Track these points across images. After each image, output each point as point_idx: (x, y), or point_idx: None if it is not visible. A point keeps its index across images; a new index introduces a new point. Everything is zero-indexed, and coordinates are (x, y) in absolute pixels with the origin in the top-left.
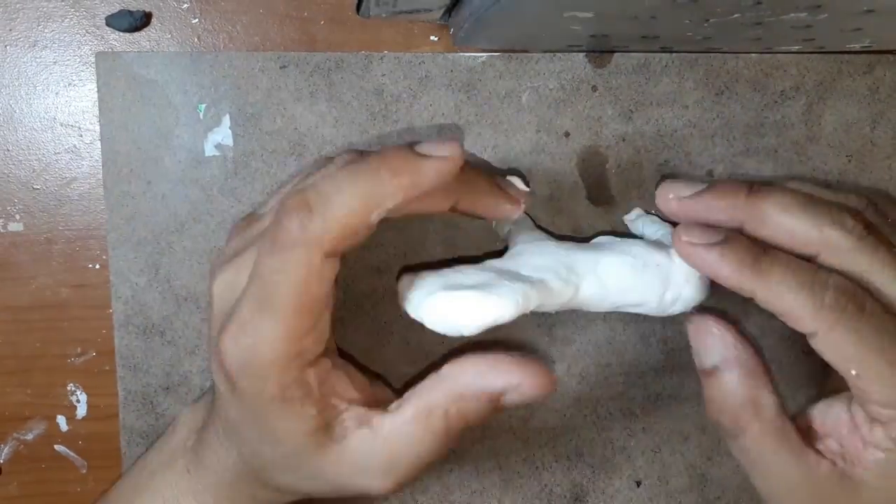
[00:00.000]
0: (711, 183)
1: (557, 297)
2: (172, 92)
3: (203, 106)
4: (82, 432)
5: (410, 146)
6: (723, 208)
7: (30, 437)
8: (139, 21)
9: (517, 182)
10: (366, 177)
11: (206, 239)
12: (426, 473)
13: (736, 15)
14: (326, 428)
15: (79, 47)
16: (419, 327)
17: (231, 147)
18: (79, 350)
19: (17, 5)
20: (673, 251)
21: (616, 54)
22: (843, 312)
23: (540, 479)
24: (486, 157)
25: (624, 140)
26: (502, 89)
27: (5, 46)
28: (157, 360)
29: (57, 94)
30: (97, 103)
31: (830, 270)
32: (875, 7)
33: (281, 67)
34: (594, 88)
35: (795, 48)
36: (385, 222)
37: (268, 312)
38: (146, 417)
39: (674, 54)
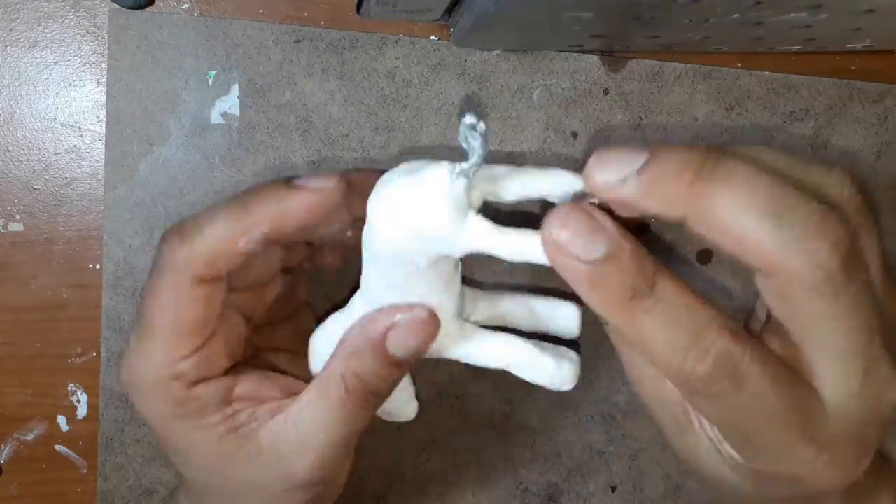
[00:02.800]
0: (653, 153)
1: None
2: (183, 56)
3: (213, 73)
4: (83, 433)
5: (289, 180)
6: (659, 200)
7: (30, 437)
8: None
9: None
10: (236, 207)
11: (204, 207)
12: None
13: (736, 15)
14: (237, 430)
15: (79, 48)
16: None
17: (237, 117)
18: (79, 350)
19: (18, 5)
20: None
21: (631, 60)
22: (712, 386)
23: (516, 476)
24: (492, 150)
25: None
26: (514, 84)
27: (6, 47)
28: None
29: (57, 94)
30: (106, 61)
31: (721, 327)
32: (875, 7)
33: (295, 41)
34: (606, 92)
35: (796, 48)
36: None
37: (145, 336)
38: None
39: (688, 66)
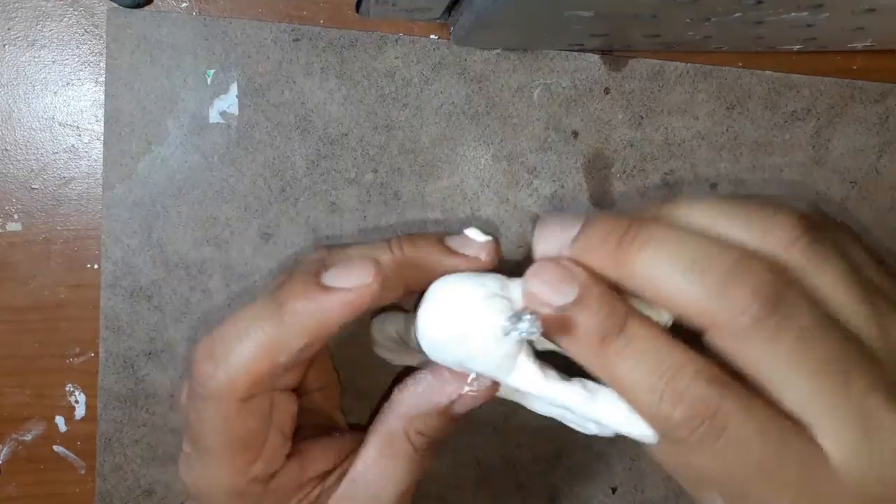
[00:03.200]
0: (584, 222)
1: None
2: (182, 54)
3: (212, 72)
4: (81, 433)
5: (318, 273)
6: (593, 263)
7: (28, 437)
8: None
9: (474, 234)
10: (267, 322)
11: (202, 206)
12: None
13: (737, 14)
14: None
15: (77, 46)
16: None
17: (236, 116)
18: (77, 350)
19: (16, 4)
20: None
21: (632, 59)
22: (690, 433)
23: (516, 477)
24: (492, 149)
25: (632, 145)
26: (515, 83)
27: (3, 45)
28: (142, 324)
29: (55, 93)
30: (104, 60)
31: (698, 371)
32: (876, 6)
33: (294, 40)
34: (607, 91)
35: (797, 47)
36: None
37: (202, 454)
38: (125, 382)
39: (689, 65)
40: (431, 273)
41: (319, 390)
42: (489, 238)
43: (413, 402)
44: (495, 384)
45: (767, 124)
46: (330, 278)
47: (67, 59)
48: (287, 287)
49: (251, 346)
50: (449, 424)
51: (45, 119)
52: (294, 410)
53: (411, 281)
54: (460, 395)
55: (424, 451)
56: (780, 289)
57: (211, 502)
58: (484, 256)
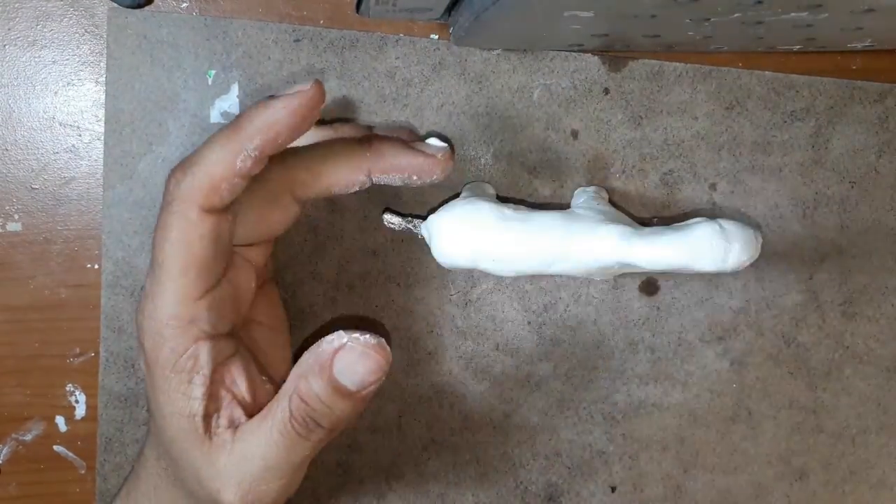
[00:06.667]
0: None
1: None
2: (183, 55)
3: (213, 72)
4: (81, 433)
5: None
6: None
7: (29, 437)
8: None
9: (434, 141)
10: (229, 129)
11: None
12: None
13: (737, 14)
14: (206, 419)
15: (78, 46)
16: (409, 313)
17: None
18: (77, 350)
19: (16, 4)
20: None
21: (631, 61)
22: None
23: (516, 475)
24: (492, 149)
25: (631, 145)
26: (515, 83)
27: (4, 46)
28: None
29: (56, 93)
30: (105, 60)
31: None
32: (876, 6)
33: (295, 41)
34: (606, 91)
35: (797, 47)
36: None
37: (158, 274)
38: (126, 381)
39: (689, 65)
40: (390, 160)
41: (267, 328)
42: (445, 145)
43: (302, 358)
44: (380, 347)
45: (766, 124)
46: (278, 93)
47: (68, 59)
48: (246, 108)
49: (213, 151)
50: (331, 399)
51: (46, 119)
52: (252, 288)
53: (376, 170)
54: (342, 347)
55: (300, 427)
56: None
57: (147, 336)
58: (307, 87)
